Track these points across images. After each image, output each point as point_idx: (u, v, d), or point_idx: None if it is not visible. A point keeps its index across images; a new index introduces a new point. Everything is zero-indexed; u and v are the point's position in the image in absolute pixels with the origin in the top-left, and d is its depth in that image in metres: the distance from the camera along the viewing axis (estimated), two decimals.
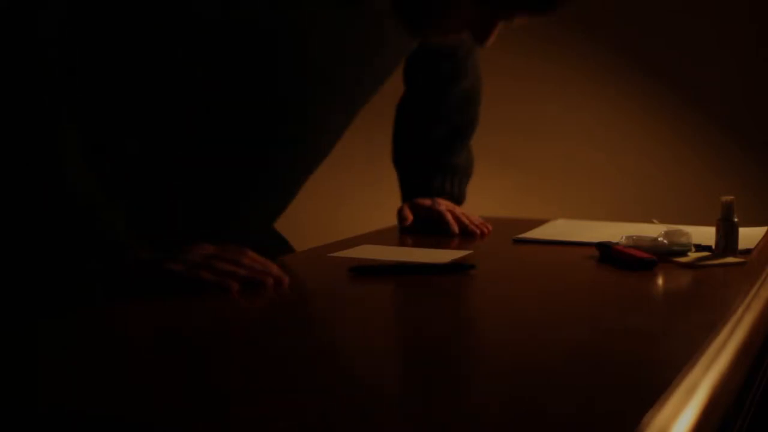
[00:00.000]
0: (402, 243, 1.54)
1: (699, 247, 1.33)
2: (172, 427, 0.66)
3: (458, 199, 1.70)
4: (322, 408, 0.69)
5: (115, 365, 0.81)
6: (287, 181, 1.37)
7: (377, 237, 1.57)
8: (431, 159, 1.69)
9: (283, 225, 1.50)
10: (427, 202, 1.64)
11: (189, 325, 0.96)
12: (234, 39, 1.12)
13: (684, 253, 1.29)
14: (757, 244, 1.41)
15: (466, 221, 1.58)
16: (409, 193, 1.69)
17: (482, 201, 1.80)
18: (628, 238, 1.31)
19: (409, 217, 1.62)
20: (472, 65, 1.72)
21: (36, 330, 0.93)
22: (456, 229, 1.56)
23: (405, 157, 1.73)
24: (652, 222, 1.52)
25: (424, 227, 1.60)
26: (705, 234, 1.36)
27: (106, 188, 1.09)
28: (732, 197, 1.32)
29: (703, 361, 0.79)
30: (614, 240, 1.33)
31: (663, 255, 1.27)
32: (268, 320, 0.99)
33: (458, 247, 1.45)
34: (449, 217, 1.58)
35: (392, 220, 1.69)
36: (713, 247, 1.33)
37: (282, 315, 1.02)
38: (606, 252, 1.31)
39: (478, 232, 1.56)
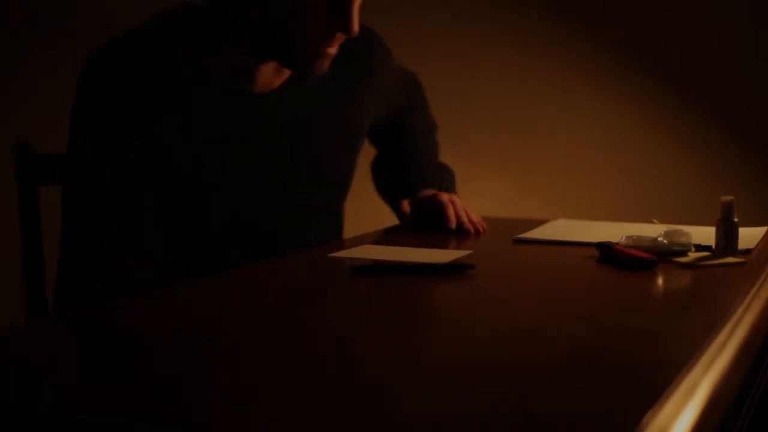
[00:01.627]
0: (402, 243, 1.53)
1: (699, 247, 1.33)
2: (172, 427, 0.66)
3: (448, 191, 1.69)
4: (322, 407, 0.69)
5: (115, 365, 0.81)
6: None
7: (377, 237, 1.57)
8: (410, 164, 1.70)
9: None
10: (430, 191, 1.63)
11: (189, 326, 0.96)
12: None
13: (684, 253, 1.29)
14: (757, 244, 1.41)
15: (464, 218, 1.57)
16: (401, 196, 1.68)
17: (482, 201, 1.80)
18: (628, 238, 1.31)
19: (407, 209, 1.61)
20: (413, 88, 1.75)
21: (36, 330, 0.93)
22: (453, 224, 1.55)
23: (388, 178, 1.73)
24: (652, 222, 1.52)
25: (424, 221, 1.59)
26: (705, 234, 1.36)
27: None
28: (732, 197, 1.32)
29: (703, 361, 0.79)
30: (614, 240, 1.33)
31: (663, 255, 1.27)
32: (269, 320, 0.99)
33: (458, 247, 1.45)
34: (450, 210, 1.57)
35: (392, 220, 1.69)
36: (713, 247, 1.33)
37: (282, 315, 1.02)
38: (606, 252, 1.31)
39: (472, 230, 1.56)
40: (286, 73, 1.40)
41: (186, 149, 1.34)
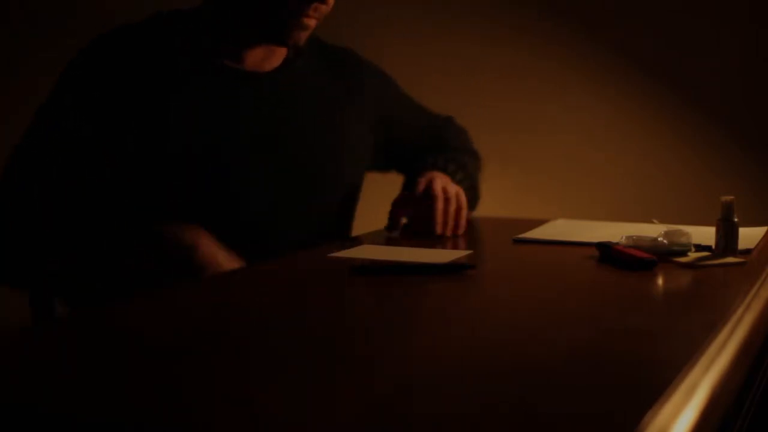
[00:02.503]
0: (402, 243, 1.53)
1: (699, 247, 1.33)
2: (172, 427, 0.66)
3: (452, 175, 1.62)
4: (321, 407, 0.69)
5: (115, 365, 0.81)
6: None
7: (377, 237, 1.57)
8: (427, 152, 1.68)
9: None
10: (422, 185, 1.52)
11: (189, 326, 0.96)
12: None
13: (684, 253, 1.29)
14: (757, 244, 1.41)
15: (442, 217, 1.48)
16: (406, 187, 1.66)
17: (482, 201, 1.80)
18: (628, 238, 1.31)
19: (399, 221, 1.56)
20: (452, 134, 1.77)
21: (36, 330, 0.93)
22: (439, 230, 1.48)
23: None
24: (652, 222, 1.52)
25: (415, 223, 1.54)
26: (705, 234, 1.36)
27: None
28: (732, 197, 1.32)
29: (703, 361, 0.79)
30: (614, 240, 1.33)
31: (663, 255, 1.27)
32: (269, 320, 0.99)
33: (458, 247, 1.44)
34: (439, 208, 1.47)
35: None
36: (713, 247, 1.33)
37: (282, 315, 1.02)
38: (606, 252, 1.31)
39: (439, 232, 1.48)
40: (276, 60, 1.49)
41: (183, 133, 1.39)
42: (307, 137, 1.51)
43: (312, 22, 1.42)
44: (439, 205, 1.48)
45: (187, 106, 1.39)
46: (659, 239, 1.30)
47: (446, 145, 1.72)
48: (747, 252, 1.35)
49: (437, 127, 1.75)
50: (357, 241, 1.48)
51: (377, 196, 1.74)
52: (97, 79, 1.37)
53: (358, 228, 1.65)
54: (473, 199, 1.67)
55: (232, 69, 1.44)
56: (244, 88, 1.45)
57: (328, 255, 1.33)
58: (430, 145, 1.71)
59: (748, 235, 1.44)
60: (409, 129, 1.70)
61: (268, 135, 1.46)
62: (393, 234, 1.54)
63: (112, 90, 1.37)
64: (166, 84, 1.38)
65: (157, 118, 1.37)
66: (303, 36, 1.43)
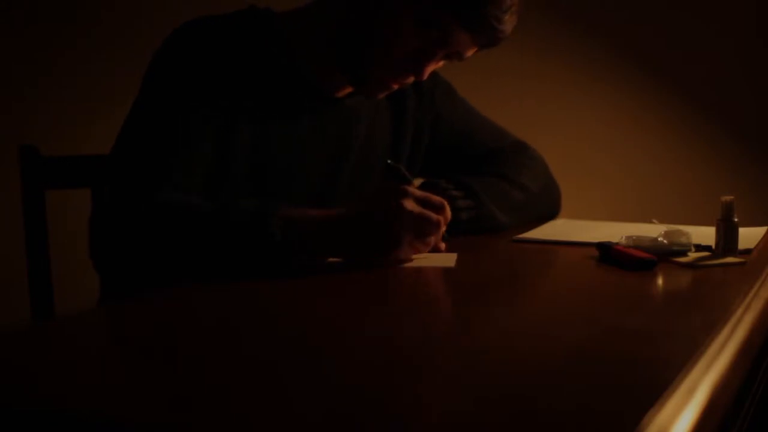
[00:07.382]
0: None
1: (699, 247, 1.33)
2: (172, 426, 0.66)
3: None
4: (321, 408, 0.69)
5: (115, 365, 0.81)
6: None
7: None
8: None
9: None
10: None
11: (188, 326, 0.96)
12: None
13: (684, 253, 1.29)
14: (757, 244, 1.41)
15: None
16: None
17: None
18: (628, 238, 1.31)
19: None
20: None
21: (36, 331, 0.93)
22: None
23: None
24: (652, 222, 1.52)
25: None
26: (705, 234, 1.36)
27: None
28: (732, 197, 1.32)
29: (703, 361, 0.79)
30: (614, 240, 1.33)
31: (663, 255, 1.27)
32: (266, 321, 0.99)
33: (458, 248, 1.44)
34: None
35: None
36: (713, 247, 1.33)
37: (280, 315, 1.02)
38: (606, 252, 1.31)
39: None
40: (345, 88, 1.46)
41: (247, 136, 1.36)
42: (366, 164, 1.51)
43: (396, 87, 1.40)
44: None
45: (255, 116, 1.36)
46: (659, 239, 1.30)
47: (493, 169, 1.64)
48: (747, 252, 1.35)
49: (497, 148, 1.69)
50: None
51: None
52: (191, 69, 1.34)
53: None
54: (474, 223, 1.53)
55: (305, 87, 1.42)
56: (313, 110, 1.43)
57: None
58: (478, 162, 1.65)
59: (748, 235, 1.44)
60: (457, 134, 1.65)
61: (324, 160, 1.45)
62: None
63: (200, 82, 1.33)
64: (239, 87, 1.35)
65: (227, 125, 1.34)
66: (383, 95, 1.42)
